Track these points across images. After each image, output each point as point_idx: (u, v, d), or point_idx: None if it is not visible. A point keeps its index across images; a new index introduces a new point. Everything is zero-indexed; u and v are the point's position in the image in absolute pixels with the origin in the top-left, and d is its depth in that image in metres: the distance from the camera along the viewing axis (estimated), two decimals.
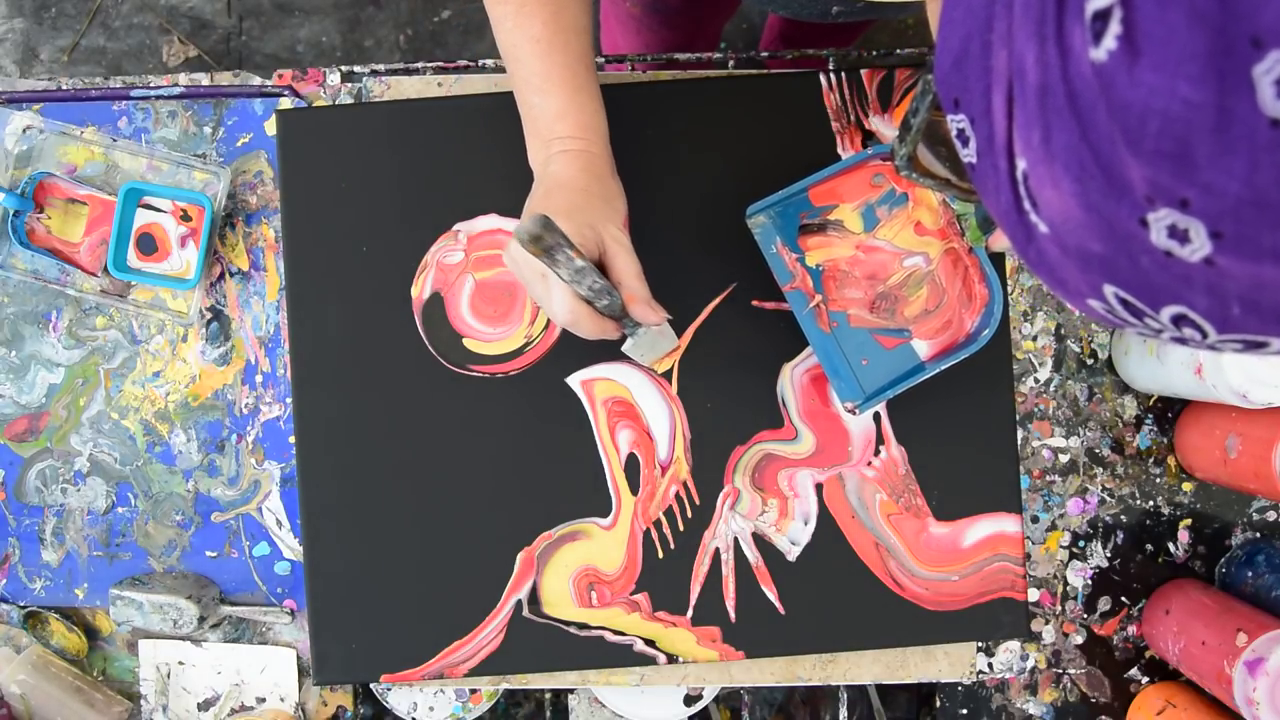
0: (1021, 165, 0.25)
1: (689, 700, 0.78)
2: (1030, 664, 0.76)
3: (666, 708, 0.77)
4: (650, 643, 0.72)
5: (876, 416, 0.73)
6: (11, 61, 1.63)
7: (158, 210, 0.75)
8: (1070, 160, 0.23)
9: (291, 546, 0.77)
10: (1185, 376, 0.66)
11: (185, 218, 0.75)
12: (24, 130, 0.75)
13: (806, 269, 0.70)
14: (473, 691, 0.78)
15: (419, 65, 0.78)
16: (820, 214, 0.71)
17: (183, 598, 0.74)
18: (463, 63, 0.79)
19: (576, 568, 0.73)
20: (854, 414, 0.68)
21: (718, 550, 0.73)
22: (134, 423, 0.77)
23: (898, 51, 0.78)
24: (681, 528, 0.73)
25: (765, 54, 0.79)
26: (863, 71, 0.73)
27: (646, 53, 0.84)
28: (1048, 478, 0.76)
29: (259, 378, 0.77)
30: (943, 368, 0.67)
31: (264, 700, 0.77)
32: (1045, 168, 0.24)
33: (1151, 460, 0.76)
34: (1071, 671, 0.76)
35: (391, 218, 0.73)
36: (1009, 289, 0.75)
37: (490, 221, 0.73)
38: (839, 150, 0.73)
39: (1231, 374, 0.62)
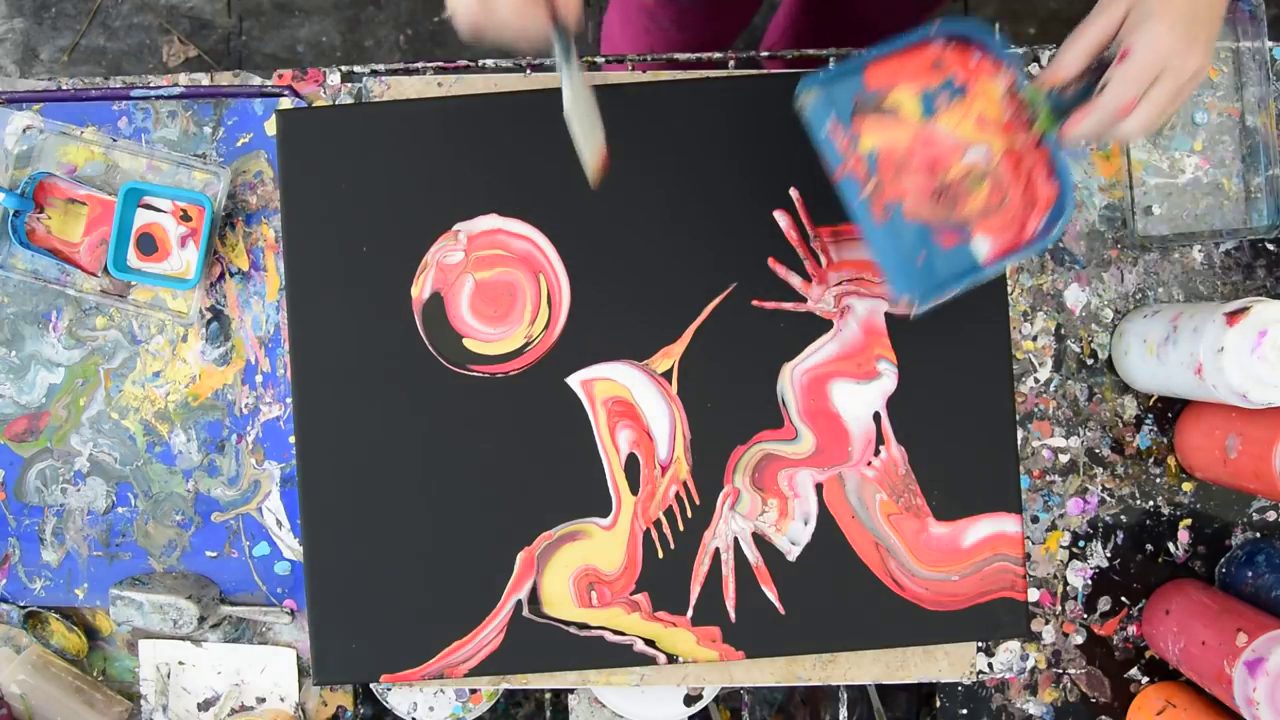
0: None
1: (689, 700, 0.78)
2: (1030, 664, 0.76)
3: (666, 708, 0.77)
4: (650, 643, 0.72)
5: (876, 416, 0.73)
6: (11, 61, 1.63)
7: (158, 210, 0.75)
8: None
9: (291, 546, 0.77)
10: (1185, 376, 0.66)
11: (185, 218, 0.75)
12: (24, 130, 0.75)
13: (861, 155, 0.63)
14: (473, 691, 0.78)
15: (419, 65, 0.78)
16: (876, 98, 0.64)
17: (183, 598, 0.74)
18: (463, 63, 0.79)
19: (576, 568, 0.73)
20: (910, 313, 0.61)
21: (718, 550, 0.73)
22: (134, 423, 0.77)
23: None
24: (681, 528, 0.73)
25: (765, 54, 0.79)
26: None
27: (648, 53, 0.84)
28: (1048, 478, 0.76)
29: (259, 378, 0.77)
30: (1005, 266, 0.63)
31: (264, 700, 0.77)
32: None
33: (1151, 460, 0.76)
34: (1071, 671, 0.76)
35: (391, 218, 0.73)
36: (1009, 289, 0.75)
37: (490, 221, 0.73)
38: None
39: (1231, 374, 0.62)
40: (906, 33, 0.62)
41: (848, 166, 0.63)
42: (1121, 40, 0.56)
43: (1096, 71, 0.58)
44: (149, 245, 0.76)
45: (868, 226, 0.63)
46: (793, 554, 0.73)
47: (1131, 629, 0.76)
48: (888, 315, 0.73)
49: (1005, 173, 0.63)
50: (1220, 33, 0.75)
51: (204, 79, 0.77)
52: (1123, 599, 0.76)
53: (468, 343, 0.73)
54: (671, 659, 0.72)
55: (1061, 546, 0.76)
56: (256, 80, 0.77)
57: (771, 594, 0.73)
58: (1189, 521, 0.76)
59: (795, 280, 0.73)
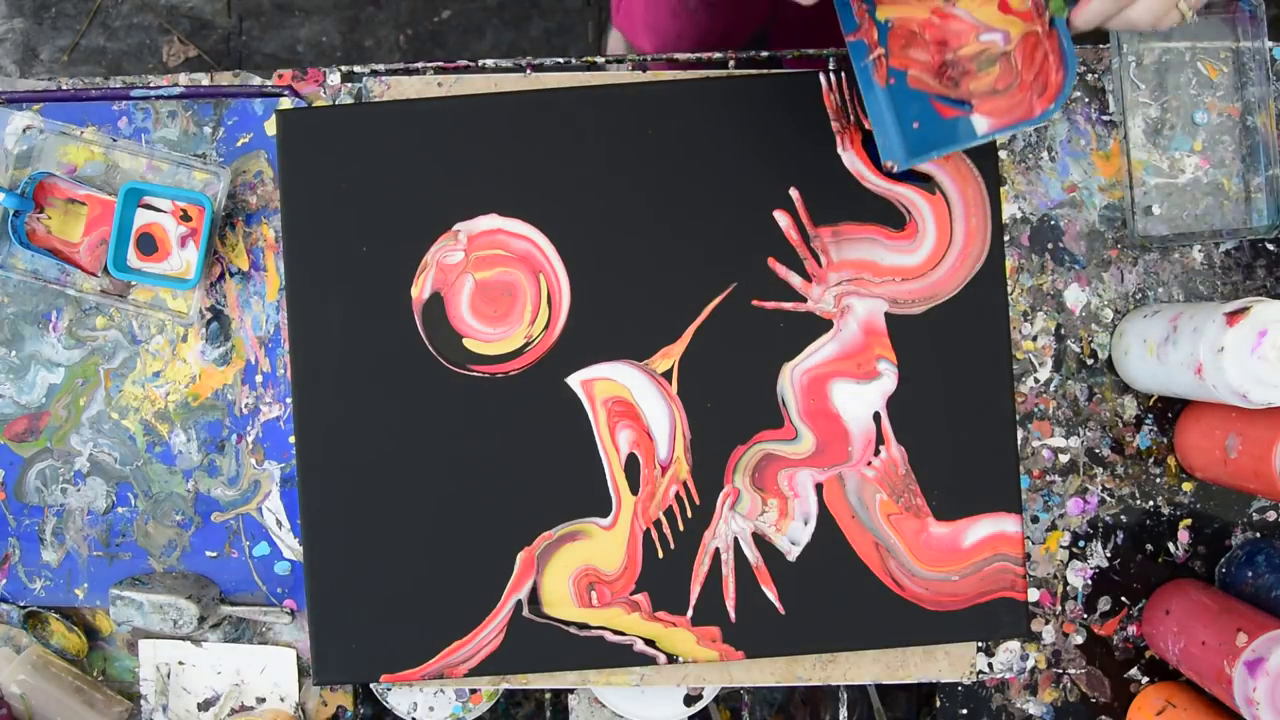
0: None
1: (689, 700, 0.78)
2: (1030, 664, 0.76)
3: (666, 708, 0.77)
4: (650, 643, 0.73)
5: (876, 416, 0.73)
6: (11, 61, 1.63)
7: (158, 210, 0.75)
8: None
9: (291, 546, 0.77)
10: (1185, 376, 0.66)
11: (185, 218, 0.75)
12: (24, 130, 0.75)
13: (874, 21, 0.65)
14: (473, 691, 0.78)
15: (419, 65, 0.78)
16: None
17: (183, 598, 0.74)
18: (463, 63, 0.79)
19: (576, 568, 0.73)
20: (891, 172, 0.62)
21: (718, 550, 0.73)
22: (134, 423, 0.77)
23: None
24: (681, 528, 0.73)
25: (766, 54, 0.79)
26: None
27: (678, 36, 0.81)
28: (1048, 478, 0.76)
29: (259, 378, 0.77)
30: (996, 136, 0.64)
31: (264, 700, 0.77)
32: None
33: (1151, 460, 0.76)
34: (1071, 671, 0.76)
35: (391, 218, 0.73)
36: (1009, 289, 0.75)
37: (490, 221, 0.73)
38: (839, 150, 0.73)
39: (1231, 374, 0.62)
40: None
41: (860, 33, 0.65)
42: None
43: None
44: (149, 245, 0.76)
45: (867, 89, 0.65)
46: (793, 554, 0.73)
47: (1131, 629, 0.76)
48: (888, 315, 0.73)
49: (1020, 56, 0.64)
50: (1220, 33, 0.75)
51: (204, 79, 0.77)
52: (1123, 599, 0.76)
53: (468, 343, 0.73)
54: (671, 659, 0.72)
55: (1061, 546, 0.76)
56: (256, 80, 0.77)
57: (771, 594, 0.73)
58: (1189, 521, 0.76)
59: (795, 280, 0.73)
